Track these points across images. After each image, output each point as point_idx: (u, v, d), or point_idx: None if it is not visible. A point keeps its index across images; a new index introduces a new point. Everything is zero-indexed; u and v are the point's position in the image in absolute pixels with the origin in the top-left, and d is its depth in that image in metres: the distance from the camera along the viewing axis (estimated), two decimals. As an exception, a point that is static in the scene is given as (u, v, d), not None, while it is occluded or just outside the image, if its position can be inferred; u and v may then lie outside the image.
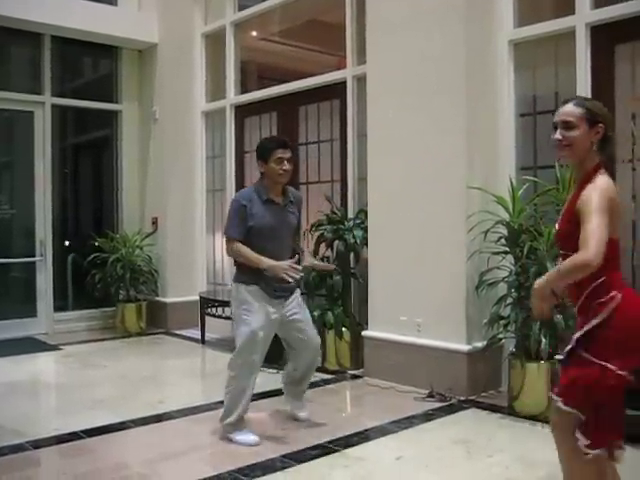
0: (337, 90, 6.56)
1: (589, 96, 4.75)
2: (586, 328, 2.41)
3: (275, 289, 4.12)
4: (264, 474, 3.61)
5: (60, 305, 8.15)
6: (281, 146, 4.12)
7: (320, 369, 5.95)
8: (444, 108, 5.13)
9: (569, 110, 2.49)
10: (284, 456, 3.86)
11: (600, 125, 2.47)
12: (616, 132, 2.56)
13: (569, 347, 2.47)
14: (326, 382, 5.59)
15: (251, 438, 4.11)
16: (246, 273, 4.11)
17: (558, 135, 2.51)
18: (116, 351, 7.09)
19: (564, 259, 2.46)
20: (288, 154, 4.13)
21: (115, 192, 8.73)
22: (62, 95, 8.20)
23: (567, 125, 2.49)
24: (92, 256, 7.90)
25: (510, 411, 4.59)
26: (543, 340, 4.38)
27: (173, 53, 8.30)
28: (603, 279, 2.40)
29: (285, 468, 3.70)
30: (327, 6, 7.31)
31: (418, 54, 5.28)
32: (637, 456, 3.61)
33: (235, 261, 4.20)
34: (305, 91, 7.03)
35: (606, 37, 4.73)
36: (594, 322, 2.39)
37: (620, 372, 2.32)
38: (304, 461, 3.80)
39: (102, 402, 5.07)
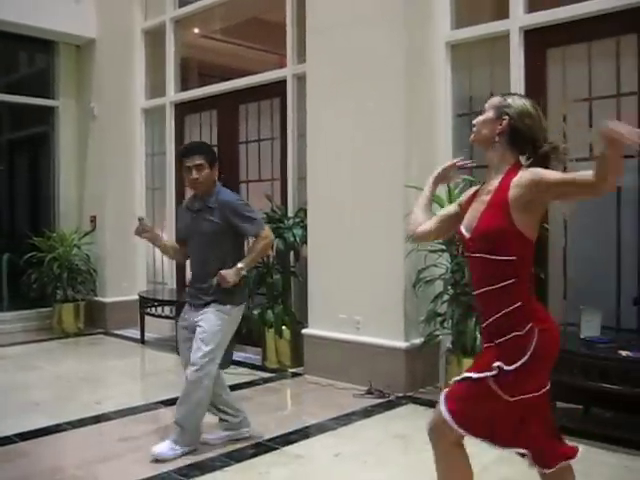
0: (277, 89, 6.57)
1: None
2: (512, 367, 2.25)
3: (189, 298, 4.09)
4: (203, 474, 3.61)
5: (-6, 306, 7.95)
6: (184, 154, 3.93)
7: (260, 368, 5.98)
8: (382, 108, 5.18)
9: (489, 101, 2.50)
10: (223, 455, 3.85)
11: (504, 118, 2.37)
12: (552, 136, 2.46)
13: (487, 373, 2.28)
14: (266, 380, 5.60)
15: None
16: None
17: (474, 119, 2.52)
18: (53, 352, 6.95)
19: (473, 264, 2.39)
20: (197, 161, 3.85)
21: (52, 190, 8.55)
22: (-4, 90, 8.00)
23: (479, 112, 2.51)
24: (28, 255, 7.72)
25: (447, 406, 4.68)
26: (478, 336, 4.48)
27: (112, 49, 8.17)
28: (519, 304, 2.27)
29: (224, 467, 3.70)
30: (268, 5, 7.30)
31: (356, 55, 5.32)
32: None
33: None
34: (246, 89, 7.02)
35: (538, 41, 4.87)
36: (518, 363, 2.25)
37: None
38: (243, 460, 3.81)
39: (37, 405, 4.97)
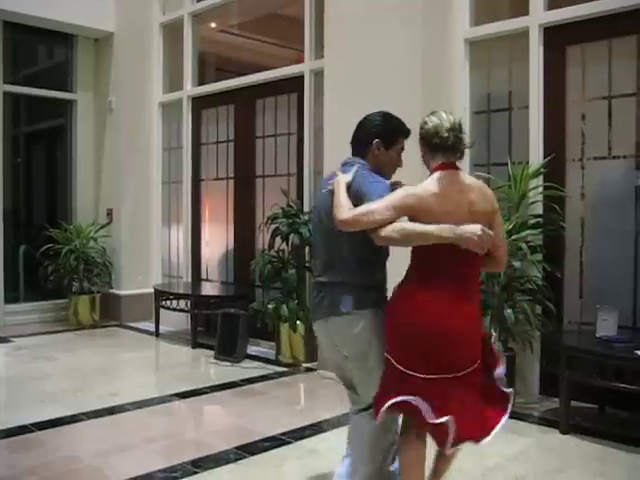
0: (295, 84, 6.57)
1: (541, 96, 4.88)
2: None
3: None
4: (217, 466, 3.63)
5: (11, 297, 8.01)
6: (407, 134, 3.14)
7: (274, 362, 6.01)
8: (400, 104, 5.14)
9: None
10: (237, 448, 3.88)
11: (421, 141, 2.83)
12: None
13: None
14: (280, 375, 5.62)
15: None
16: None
17: None
18: (68, 343, 7.00)
19: None
20: None
21: (69, 182, 8.61)
22: (15, 82, 8.04)
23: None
24: (45, 247, 7.78)
25: (461, 403, 4.67)
26: (494, 334, 4.47)
27: (130, 43, 8.20)
28: (406, 273, 2.78)
29: (238, 460, 3.73)
30: (286, 0, 7.30)
31: (375, 50, 5.32)
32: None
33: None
34: (263, 84, 7.03)
35: (558, 38, 4.84)
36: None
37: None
38: (257, 453, 3.83)
39: (53, 395, 5.01)
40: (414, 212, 2.61)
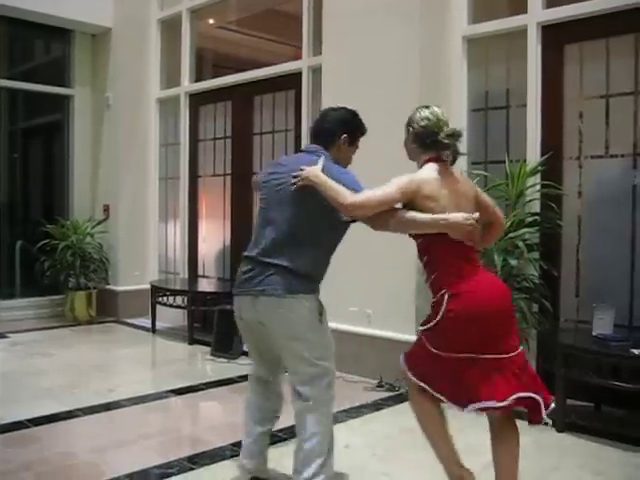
0: (293, 81, 6.56)
1: (539, 94, 4.89)
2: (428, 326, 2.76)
3: None
4: (213, 462, 3.64)
5: (7, 292, 8.01)
6: (363, 135, 3.26)
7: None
8: (398, 102, 5.16)
9: None
10: (233, 444, 3.87)
11: (409, 130, 2.89)
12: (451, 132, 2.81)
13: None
14: (277, 372, 5.61)
15: None
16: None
17: None
18: (65, 339, 7.00)
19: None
20: None
21: (66, 178, 8.59)
22: (11, 78, 8.02)
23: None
24: (41, 243, 7.77)
25: (457, 401, 4.67)
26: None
27: (128, 38, 8.19)
28: (434, 276, 2.77)
29: (234, 456, 3.71)
30: (285, -4, 7.30)
31: (374, 47, 5.32)
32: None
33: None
34: (261, 81, 7.02)
35: (556, 37, 4.84)
36: (432, 323, 2.73)
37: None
38: (253, 449, 3.82)
39: (49, 391, 5.01)
40: (419, 195, 2.70)
